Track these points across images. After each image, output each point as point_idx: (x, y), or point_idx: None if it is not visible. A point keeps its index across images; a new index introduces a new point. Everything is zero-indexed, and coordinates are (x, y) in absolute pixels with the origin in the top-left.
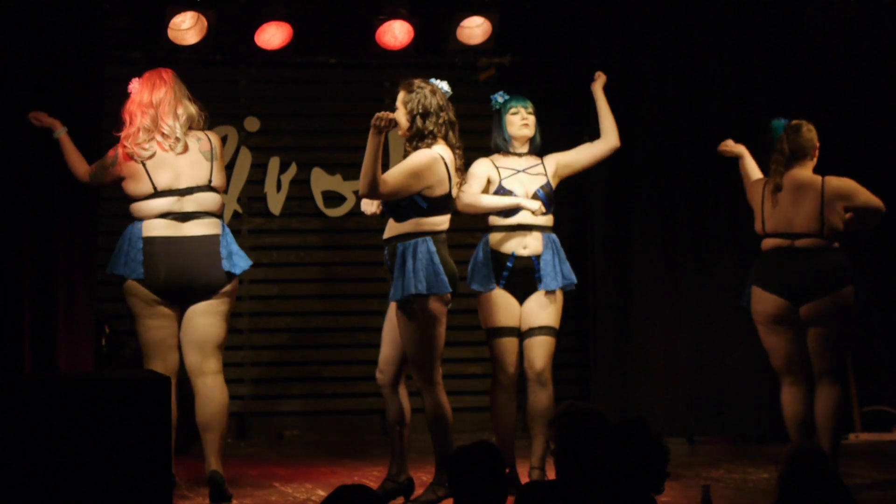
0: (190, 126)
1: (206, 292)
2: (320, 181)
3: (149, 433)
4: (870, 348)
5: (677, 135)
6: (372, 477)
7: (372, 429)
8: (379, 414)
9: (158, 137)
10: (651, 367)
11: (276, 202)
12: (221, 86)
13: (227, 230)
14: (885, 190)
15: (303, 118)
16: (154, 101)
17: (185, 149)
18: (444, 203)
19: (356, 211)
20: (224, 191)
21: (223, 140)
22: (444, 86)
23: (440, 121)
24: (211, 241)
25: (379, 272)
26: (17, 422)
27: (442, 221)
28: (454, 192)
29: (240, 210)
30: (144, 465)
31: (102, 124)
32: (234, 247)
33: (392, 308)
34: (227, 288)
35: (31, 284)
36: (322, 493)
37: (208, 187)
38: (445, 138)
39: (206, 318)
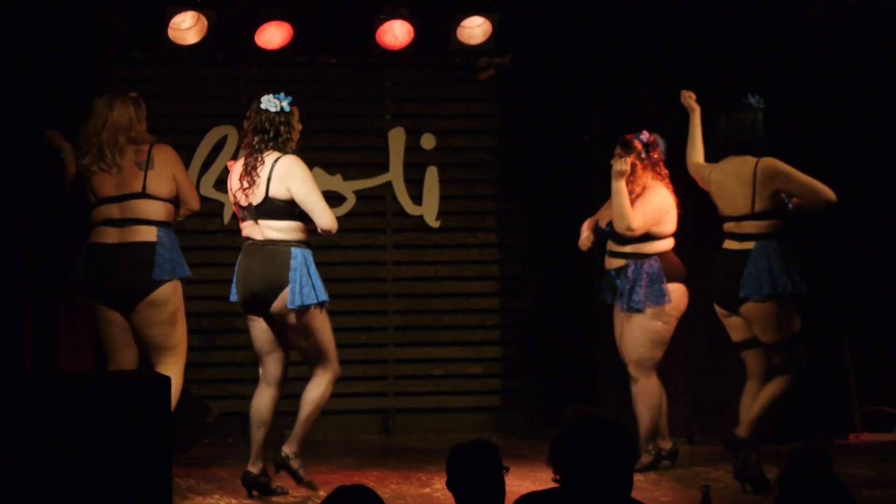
0: (133, 142)
1: (131, 300)
2: (320, 181)
3: (148, 433)
4: (870, 348)
5: (677, 135)
6: (372, 477)
7: (372, 429)
8: (380, 414)
9: (102, 165)
10: None
11: None
12: (221, 85)
13: (167, 237)
14: (884, 189)
15: (303, 118)
16: (96, 132)
17: (121, 168)
18: (240, 211)
19: (356, 211)
20: (171, 197)
21: (223, 139)
22: (263, 99)
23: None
24: (142, 248)
25: (378, 272)
26: (16, 422)
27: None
28: (241, 200)
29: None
30: (144, 465)
31: None
32: (172, 254)
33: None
34: (155, 296)
35: (31, 284)
36: (322, 494)
37: (143, 195)
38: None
39: (147, 328)
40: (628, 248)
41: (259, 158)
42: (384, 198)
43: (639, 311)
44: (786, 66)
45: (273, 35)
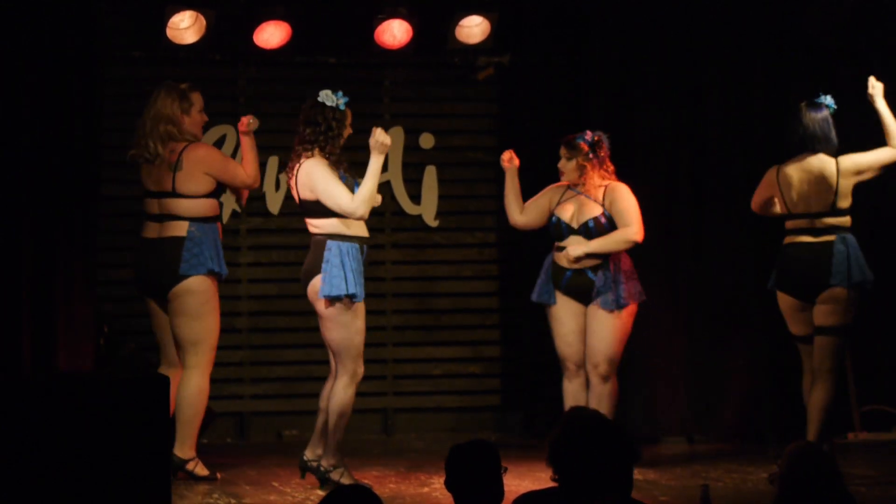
0: (172, 138)
1: (161, 292)
2: None
3: (148, 433)
4: (869, 348)
5: (677, 134)
6: (371, 477)
7: (371, 428)
8: (379, 413)
9: (146, 154)
10: (650, 366)
11: (274, 201)
12: (220, 85)
13: (199, 233)
14: (884, 190)
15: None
16: (142, 122)
17: (163, 158)
18: None
19: None
20: (204, 193)
21: (221, 139)
22: (321, 94)
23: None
24: (173, 243)
25: (377, 271)
26: (16, 422)
27: None
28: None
29: (238, 209)
30: (143, 464)
31: (102, 124)
32: (201, 248)
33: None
34: (179, 288)
35: (30, 284)
36: (320, 493)
37: (172, 193)
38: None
39: (173, 319)
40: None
41: (302, 151)
42: (383, 197)
43: (625, 307)
44: (786, 66)
45: (272, 35)
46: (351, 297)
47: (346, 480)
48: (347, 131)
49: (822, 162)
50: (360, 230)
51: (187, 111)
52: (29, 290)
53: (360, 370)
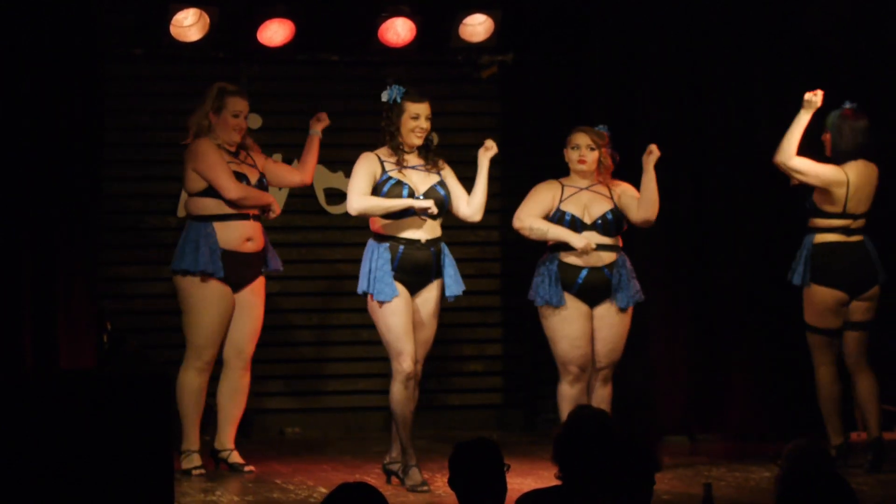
0: (199, 134)
1: None
2: (322, 178)
3: (149, 430)
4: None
5: (678, 133)
6: (373, 474)
7: (373, 426)
8: (381, 411)
9: None
10: (652, 364)
11: (278, 199)
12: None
13: (185, 232)
14: (883, 188)
15: (305, 115)
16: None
17: None
18: None
19: None
20: (195, 192)
21: None
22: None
23: None
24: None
25: None
26: (17, 420)
27: None
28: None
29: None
30: (146, 462)
31: (104, 122)
32: (182, 246)
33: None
34: (175, 285)
35: (31, 282)
36: (323, 491)
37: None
38: None
39: None
40: (613, 241)
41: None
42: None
43: (638, 302)
44: (786, 66)
45: (275, 32)
46: (373, 295)
47: (410, 480)
48: (413, 124)
49: (870, 166)
50: (403, 230)
51: (217, 111)
52: (30, 288)
53: (403, 366)
